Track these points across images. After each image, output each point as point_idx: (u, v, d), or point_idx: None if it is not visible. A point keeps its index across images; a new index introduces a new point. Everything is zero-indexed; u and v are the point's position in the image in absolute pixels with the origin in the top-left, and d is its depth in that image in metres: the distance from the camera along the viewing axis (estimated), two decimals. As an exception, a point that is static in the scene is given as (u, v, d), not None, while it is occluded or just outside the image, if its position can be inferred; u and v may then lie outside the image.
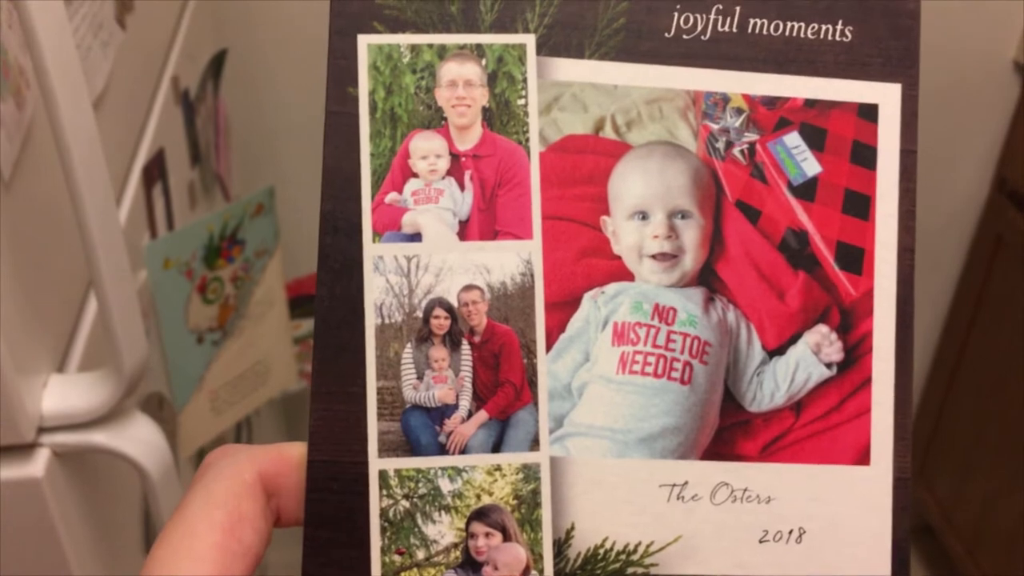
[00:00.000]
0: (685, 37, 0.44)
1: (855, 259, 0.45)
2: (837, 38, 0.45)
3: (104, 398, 0.83)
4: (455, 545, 0.43)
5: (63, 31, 0.70)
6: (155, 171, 1.17)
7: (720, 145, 0.45)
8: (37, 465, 0.81)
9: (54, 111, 0.71)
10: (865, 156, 0.45)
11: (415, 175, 0.44)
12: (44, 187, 0.81)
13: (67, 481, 0.84)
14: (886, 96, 0.45)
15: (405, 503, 0.43)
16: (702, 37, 0.44)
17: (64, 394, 0.83)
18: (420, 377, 0.44)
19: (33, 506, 0.81)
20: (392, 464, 0.43)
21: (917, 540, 2.28)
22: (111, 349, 0.81)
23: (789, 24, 0.45)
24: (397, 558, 0.43)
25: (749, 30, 0.45)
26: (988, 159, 1.95)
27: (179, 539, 0.40)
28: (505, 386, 0.44)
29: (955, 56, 1.82)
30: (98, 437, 0.84)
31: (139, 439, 0.87)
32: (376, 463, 0.43)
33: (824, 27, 0.45)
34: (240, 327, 1.35)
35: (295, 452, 0.43)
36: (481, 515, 0.43)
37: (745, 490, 0.44)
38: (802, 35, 0.45)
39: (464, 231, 0.44)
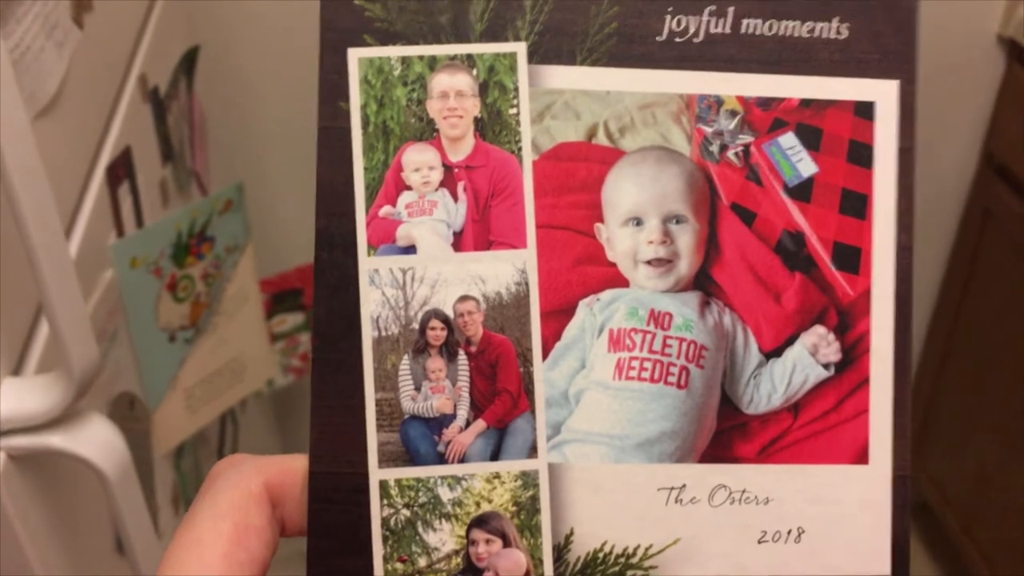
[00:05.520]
0: (677, 40, 0.44)
1: (852, 259, 0.45)
2: (832, 36, 0.45)
3: (55, 401, 0.83)
4: (456, 552, 0.44)
5: None
6: (121, 170, 1.16)
7: (714, 148, 0.45)
8: (-8, 469, 0.80)
9: None
10: (862, 155, 0.45)
11: (408, 188, 0.44)
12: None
13: (25, 484, 0.84)
14: (883, 93, 0.45)
15: (406, 512, 0.44)
16: (695, 40, 0.44)
17: (17, 397, 0.83)
18: (418, 388, 0.44)
19: (-10, 510, 0.81)
20: (392, 474, 0.43)
21: (913, 517, 2.30)
22: (59, 352, 0.81)
23: (783, 23, 0.44)
24: (400, 566, 0.43)
25: (742, 31, 0.44)
26: (975, 134, 1.93)
27: (187, 549, 0.41)
28: (502, 395, 0.44)
29: (938, 32, 1.81)
30: (53, 439, 0.84)
31: (95, 441, 0.86)
32: (376, 473, 0.43)
33: (819, 25, 0.45)
34: (213, 324, 1.35)
35: (299, 463, 0.44)
36: (481, 522, 0.44)
37: (743, 492, 0.45)
38: (797, 34, 0.44)
39: (458, 242, 0.44)
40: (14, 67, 0.72)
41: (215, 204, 1.29)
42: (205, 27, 1.66)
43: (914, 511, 2.23)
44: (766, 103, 0.45)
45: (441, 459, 0.44)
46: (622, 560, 0.44)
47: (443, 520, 0.44)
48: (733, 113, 0.45)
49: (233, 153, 1.81)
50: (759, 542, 0.45)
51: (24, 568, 0.84)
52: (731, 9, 0.44)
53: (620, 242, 0.45)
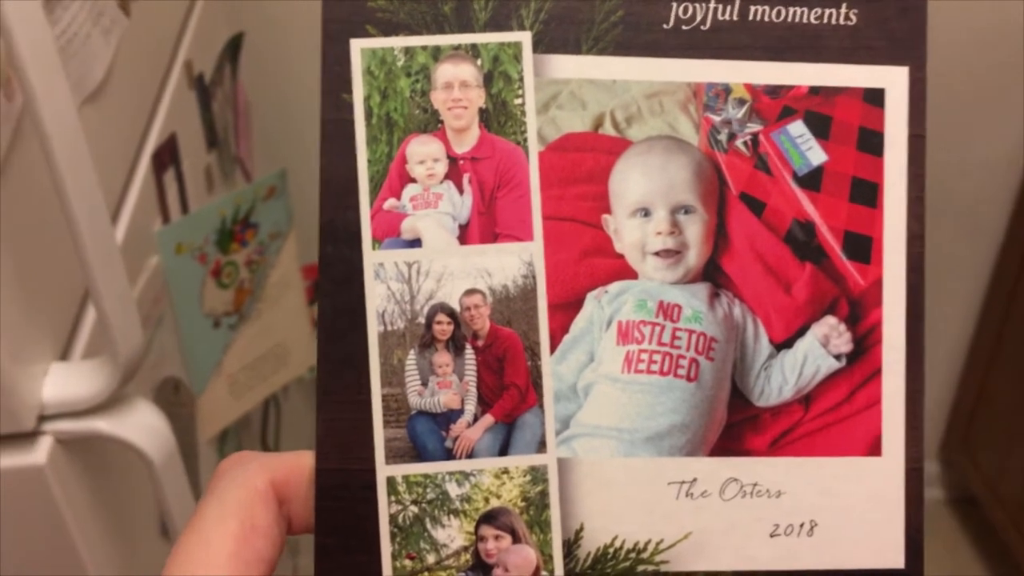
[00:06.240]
0: (684, 28, 0.43)
1: (863, 248, 0.44)
2: (841, 22, 0.44)
3: (102, 386, 0.83)
4: (465, 548, 0.43)
5: (42, 33, 0.70)
6: (166, 156, 1.16)
7: (723, 137, 0.44)
8: (39, 453, 0.81)
9: (36, 114, 0.71)
10: (872, 143, 0.44)
11: (413, 180, 0.43)
12: (40, 176, 0.81)
13: (73, 468, 0.84)
14: (893, 80, 0.44)
15: (414, 508, 0.43)
16: (702, 27, 0.43)
17: (64, 382, 0.83)
18: (425, 383, 0.44)
19: (37, 494, 0.82)
20: (400, 470, 0.43)
21: (962, 511, 2.28)
22: (106, 337, 0.82)
23: (791, 9, 0.44)
24: (408, 563, 0.43)
25: (750, 17, 0.44)
26: (1025, 123, 1.92)
27: (194, 549, 0.41)
28: (510, 389, 0.44)
29: (986, 24, 1.79)
30: (100, 424, 0.85)
31: (141, 425, 0.87)
32: (384, 470, 0.43)
33: (828, 11, 0.44)
34: (257, 311, 1.35)
35: (306, 460, 0.44)
36: (490, 518, 0.43)
37: (755, 485, 0.44)
38: (805, 20, 0.44)
39: (464, 235, 0.43)
40: (61, 53, 0.72)
41: (259, 191, 1.29)
42: (250, 14, 1.66)
43: (962, 505, 2.22)
44: (774, 91, 0.44)
45: (449, 455, 0.43)
46: (633, 555, 0.44)
47: (452, 516, 0.43)
48: (741, 101, 0.44)
49: (277, 140, 1.81)
50: (771, 536, 0.44)
51: (70, 551, 0.85)
52: None
53: (628, 233, 0.44)
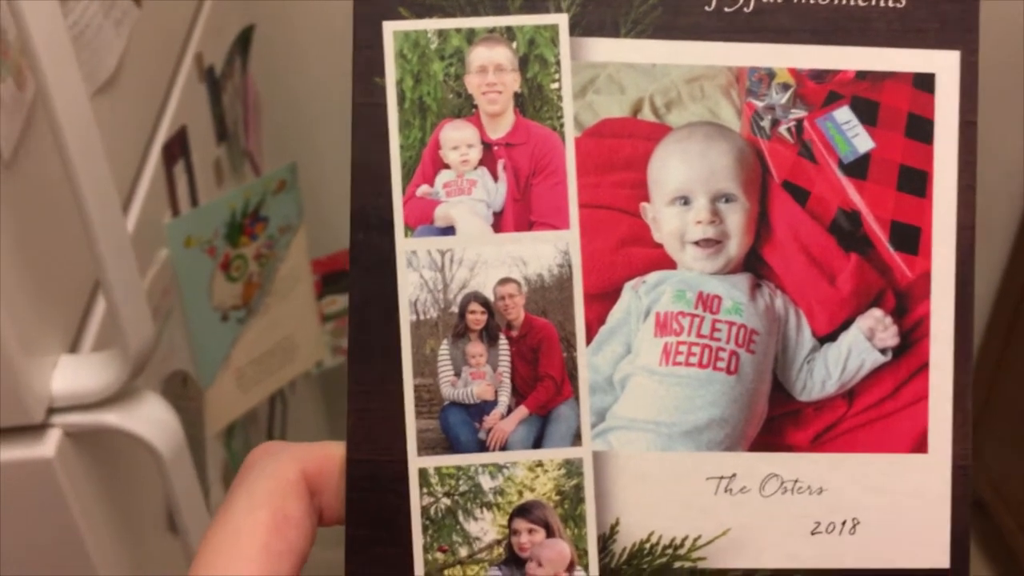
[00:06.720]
0: (727, 10, 0.42)
1: (911, 239, 0.43)
2: (890, 4, 0.43)
3: (111, 379, 0.83)
4: (498, 542, 0.43)
5: (56, 24, 0.69)
6: (176, 149, 1.16)
7: (765, 123, 0.43)
8: (48, 446, 0.81)
9: (49, 104, 0.71)
10: (921, 129, 0.43)
11: (447, 166, 0.42)
12: (51, 167, 0.80)
13: (81, 462, 0.84)
14: (944, 64, 0.43)
15: (446, 501, 0.42)
16: (745, 9, 0.42)
17: (74, 374, 0.83)
18: (458, 373, 0.43)
19: (45, 487, 0.81)
20: (432, 462, 0.42)
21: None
22: (116, 330, 0.81)
23: None
24: (440, 555, 0.42)
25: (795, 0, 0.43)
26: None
27: (224, 540, 0.40)
28: (545, 381, 0.43)
29: (983, 19, 1.78)
30: (109, 417, 0.84)
31: (150, 419, 0.87)
32: (416, 461, 0.42)
33: None
34: (265, 304, 1.34)
35: (337, 451, 0.43)
36: (523, 511, 0.43)
37: (796, 481, 0.43)
38: (852, 2, 0.43)
39: (499, 223, 0.42)
40: (73, 44, 0.72)
41: (268, 184, 1.28)
42: (260, 7, 1.65)
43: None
44: (820, 75, 0.43)
45: (482, 447, 0.42)
46: (669, 551, 0.43)
47: (484, 509, 0.42)
48: (785, 86, 0.43)
49: (287, 134, 1.81)
50: (812, 533, 0.43)
51: (77, 544, 0.85)
52: None
53: (667, 222, 0.43)
